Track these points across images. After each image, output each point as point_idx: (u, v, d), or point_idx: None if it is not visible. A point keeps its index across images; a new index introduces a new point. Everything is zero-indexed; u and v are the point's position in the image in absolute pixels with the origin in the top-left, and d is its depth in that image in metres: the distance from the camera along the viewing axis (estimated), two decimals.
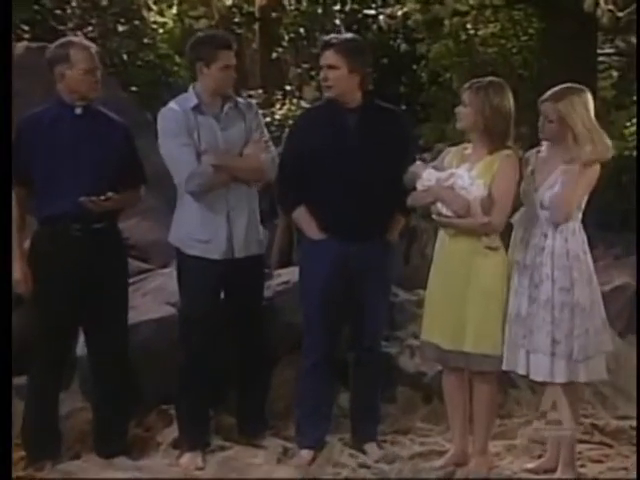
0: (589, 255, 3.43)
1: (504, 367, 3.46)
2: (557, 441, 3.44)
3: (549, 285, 3.36)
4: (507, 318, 3.45)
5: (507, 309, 3.44)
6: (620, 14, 7.64)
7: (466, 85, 3.50)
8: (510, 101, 3.43)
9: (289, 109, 10.46)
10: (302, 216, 3.67)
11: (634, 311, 4.61)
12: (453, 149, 3.60)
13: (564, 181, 3.35)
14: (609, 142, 3.38)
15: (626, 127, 9.46)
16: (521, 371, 3.44)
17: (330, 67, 3.55)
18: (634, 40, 8.11)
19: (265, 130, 3.74)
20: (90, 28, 10.18)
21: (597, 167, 3.39)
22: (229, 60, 3.58)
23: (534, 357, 3.37)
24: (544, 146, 3.49)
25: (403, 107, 10.43)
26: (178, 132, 3.54)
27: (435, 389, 3.98)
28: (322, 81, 3.60)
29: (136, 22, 11.03)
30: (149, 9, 12.00)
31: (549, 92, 3.42)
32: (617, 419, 4.09)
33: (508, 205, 3.41)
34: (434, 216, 3.49)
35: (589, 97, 3.39)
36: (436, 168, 3.51)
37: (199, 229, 3.59)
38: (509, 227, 3.53)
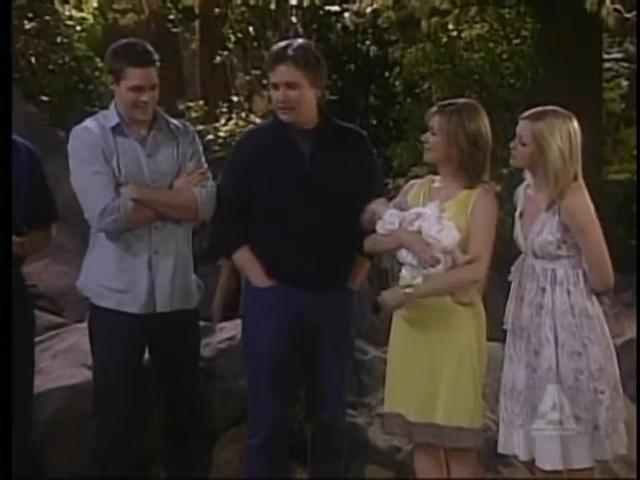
0: (597, 305, 3.47)
1: (499, 450, 3.49)
2: None
3: (551, 350, 3.39)
4: (501, 390, 3.49)
5: (481, 372, 3.48)
6: (628, 15, 7.84)
7: (433, 109, 3.55)
8: (487, 127, 3.50)
9: (236, 124, 10.51)
10: (245, 259, 3.68)
11: None
12: (418, 182, 3.64)
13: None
14: (584, 198, 3.39)
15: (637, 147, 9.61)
16: (523, 456, 3.45)
17: (289, 85, 3.56)
18: None
19: (203, 159, 3.74)
20: None
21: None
22: (141, 80, 3.55)
23: (540, 439, 3.39)
24: (530, 180, 3.54)
25: (373, 122, 10.59)
26: (91, 157, 3.53)
27: (411, 467, 3.99)
28: (279, 103, 3.59)
29: (47, 18, 11.03)
30: (64, 1, 12.02)
31: (530, 110, 3.49)
32: None
33: (488, 250, 3.44)
34: (406, 291, 3.44)
35: (575, 127, 3.44)
36: (398, 206, 3.55)
37: (114, 276, 3.58)
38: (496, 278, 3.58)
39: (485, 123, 3.49)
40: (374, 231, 3.53)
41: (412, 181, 3.70)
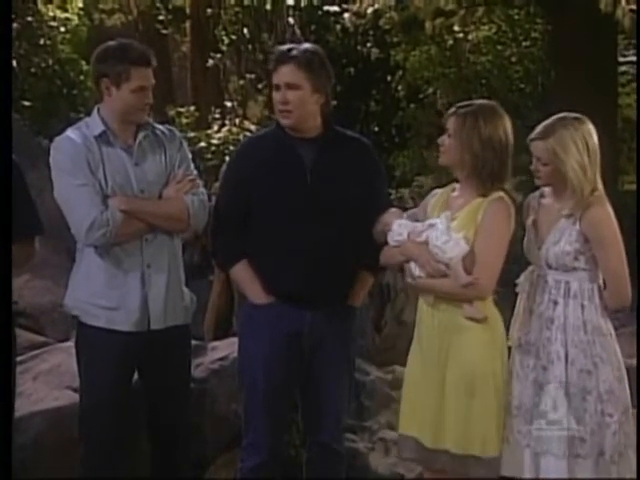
0: (609, 322, 3.49)
1: (503, 472, 3.48)
2: None
3: (561, 367, 3.40)
4: (507, 410, 3.47)
5: (499, 397, 3.45)
6: None
7: (451, 110, 3.53)
8: (507, 131, 3.46)
9: (230, 131, 10.53)
10: (243, 274, 3.69)
11: None
12: (440, 191, 3.62)
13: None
14: (607, 210, 3.40)
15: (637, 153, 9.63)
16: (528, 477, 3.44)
17: (290, 87, 3.59)
18: None
19: (192, 166, 3.76)
20: None
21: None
22: (145, 80, 3.61)
23: (545, 461, 3.40)
24: (548, 190, 3.56)
25: (374, 129, 10.64)
26: (75, 169, 3.55)
27: None
28: (278, 104, 3.62)
29: (29, 18, 11.07)
30: (47, 1, 12.08)
31: (537, 128, 3.48)
32: None
33: (494, 263, 3.42)
34: (408, 279, 3.52)
35: (588, 130, 3.45)
36: (415, 216, 3.56)
37: (104, 292, 3.59)
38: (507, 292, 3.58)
39: (504, 127, 3.45)
40: (387, 244, 3.52)
41: (435, 190, 3.67)
